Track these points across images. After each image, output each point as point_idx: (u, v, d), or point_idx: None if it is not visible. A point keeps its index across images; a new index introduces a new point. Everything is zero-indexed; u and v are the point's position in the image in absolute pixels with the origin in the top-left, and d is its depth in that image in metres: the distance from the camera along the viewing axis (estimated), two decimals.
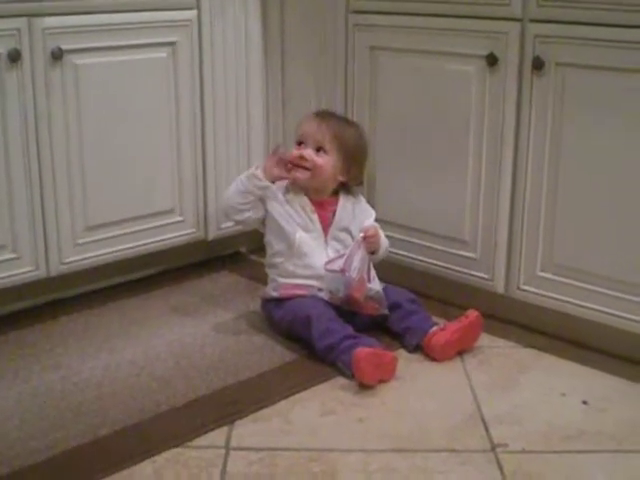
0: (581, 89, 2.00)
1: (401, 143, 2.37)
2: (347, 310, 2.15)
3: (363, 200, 2.34)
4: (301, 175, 2.23)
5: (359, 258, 2.12)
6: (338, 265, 2.11)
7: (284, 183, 2.26)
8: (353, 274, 2.10)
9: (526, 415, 1.87)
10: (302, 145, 2.25)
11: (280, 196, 2.24)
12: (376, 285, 2.18)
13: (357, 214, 2.28)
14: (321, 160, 2.22)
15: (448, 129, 2.26)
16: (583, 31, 1.96)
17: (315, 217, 2.23)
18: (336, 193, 2.29)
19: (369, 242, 2.18)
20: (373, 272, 2.19)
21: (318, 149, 2.23)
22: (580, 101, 2.01)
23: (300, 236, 2.20)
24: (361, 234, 2.16)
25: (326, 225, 2.24)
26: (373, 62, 2.38)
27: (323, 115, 2.30)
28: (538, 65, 2.04)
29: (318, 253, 2.20)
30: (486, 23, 2.13)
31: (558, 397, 1.95)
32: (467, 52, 2.18)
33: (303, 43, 2.55)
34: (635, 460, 1.72)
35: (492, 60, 2.12)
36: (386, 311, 2.18)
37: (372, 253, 2.21)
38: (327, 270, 2.14)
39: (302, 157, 2.22)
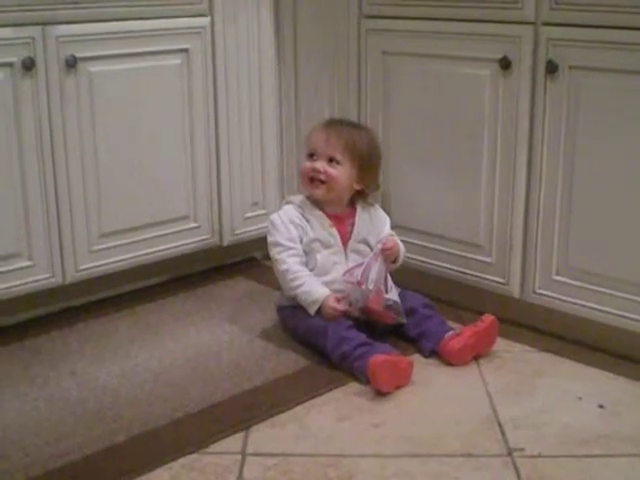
0: (595, 92, 1.99)
1: (414, 147, 2.37)
2: (364, 319, 2.14)
3: (378, 208, 2.33)
4: (317, 190, 2.21)
5: (376, 270, 2.11)
6: (355, 277, 2.11)
7: (298, 202, 2.24)
8: (370, 286, 2.09)
9: (542, 419, 1.87)
10: (314, 157, 2.23)
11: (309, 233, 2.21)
12: (394, 295, 2.17)
13: (374, 223, 2.28)
14: (335, 171, 2.20)
15: (462, 133, 2.26)
16: (596, 34, 1.96)
17: (334, 231, 2.21)
18: (352, 203, 2.27)
19: (387, 254, 2.17)
20: (390, 282, 2.18)
21: (330, 160, 2.21)
22: (594, 104, 2.00)
23: (320, 256, 2.19)
24: (379, 245, 2.16)
25: (345, 239, 2.22)
26: (386, 67, 2.38)
27: (332, 124, 2.27)
28: (551, 68, 2.04)
29: (339, 267, 2.19)
30: (499, 27, 2.13)
31: (574, 401, 1.94)
32: (480, 56, 2.18)
33: (316, 48, 2.55)
34: None
35: (505, 64, 2.12)
36: (404, 320, 2.17)
37: (392, 262, 2.21)
38: (345, 281, 2.14)
39: (315, 169, 2.21)
